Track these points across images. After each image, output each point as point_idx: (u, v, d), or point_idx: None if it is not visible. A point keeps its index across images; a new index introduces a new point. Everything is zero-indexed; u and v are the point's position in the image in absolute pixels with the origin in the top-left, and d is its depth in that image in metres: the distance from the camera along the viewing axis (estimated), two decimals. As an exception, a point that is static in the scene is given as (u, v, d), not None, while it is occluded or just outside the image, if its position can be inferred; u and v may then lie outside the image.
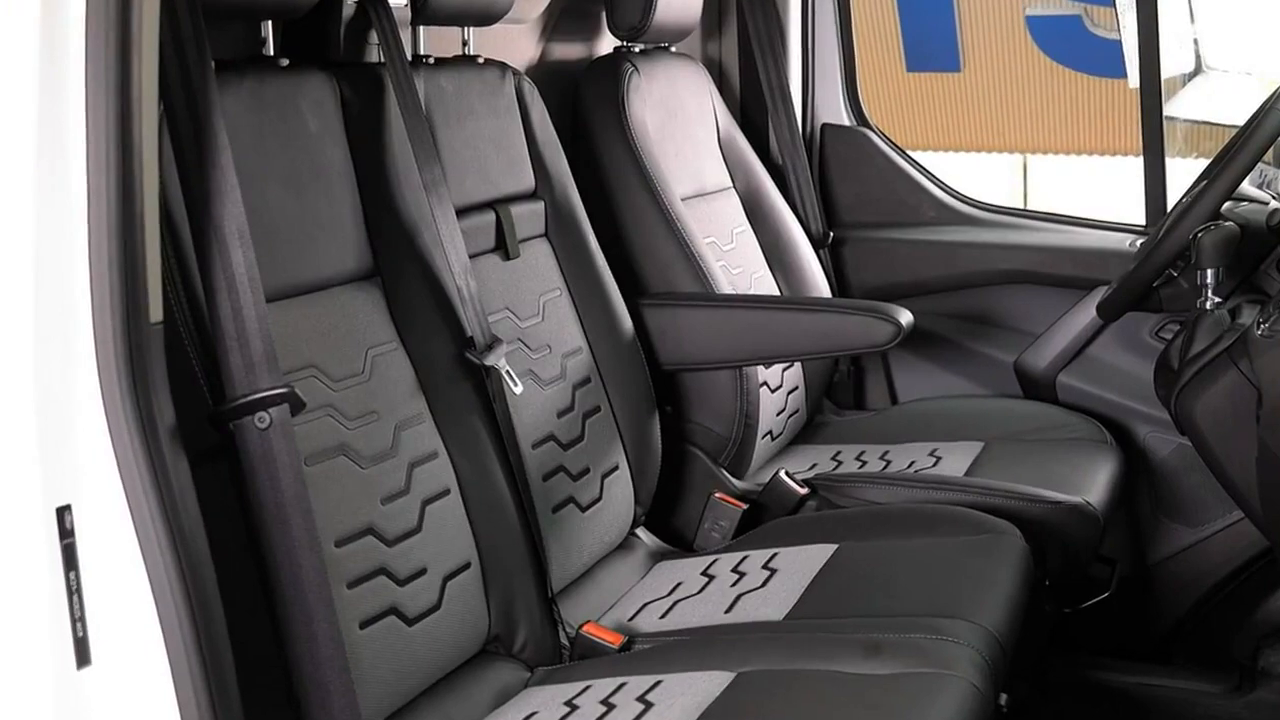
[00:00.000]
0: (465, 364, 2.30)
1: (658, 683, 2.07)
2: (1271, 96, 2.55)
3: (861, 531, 2.60)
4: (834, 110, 3.84)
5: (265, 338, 1.71)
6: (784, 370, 3.27)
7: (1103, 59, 5.71)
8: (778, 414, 3.22)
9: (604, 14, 3.19)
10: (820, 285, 3.49)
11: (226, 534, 1.60)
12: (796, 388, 3.33)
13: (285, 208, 2.08)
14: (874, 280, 3.69)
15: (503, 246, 2.59)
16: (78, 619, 1.38)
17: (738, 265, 3.27)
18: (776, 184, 3.52)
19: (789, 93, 3.64)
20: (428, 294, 2.29)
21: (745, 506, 2.88)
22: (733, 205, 3.40)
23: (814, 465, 3.13)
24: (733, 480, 2.99)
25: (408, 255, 2.28)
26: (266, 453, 1.70)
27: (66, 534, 1.38)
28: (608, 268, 2.78)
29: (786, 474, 2.88)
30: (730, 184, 3.42)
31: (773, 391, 3.19)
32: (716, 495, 2.90)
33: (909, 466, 3.01)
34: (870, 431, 3.36)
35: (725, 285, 3.07)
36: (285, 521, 1.70)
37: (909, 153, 3.84)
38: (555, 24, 3.27)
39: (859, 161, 3.81)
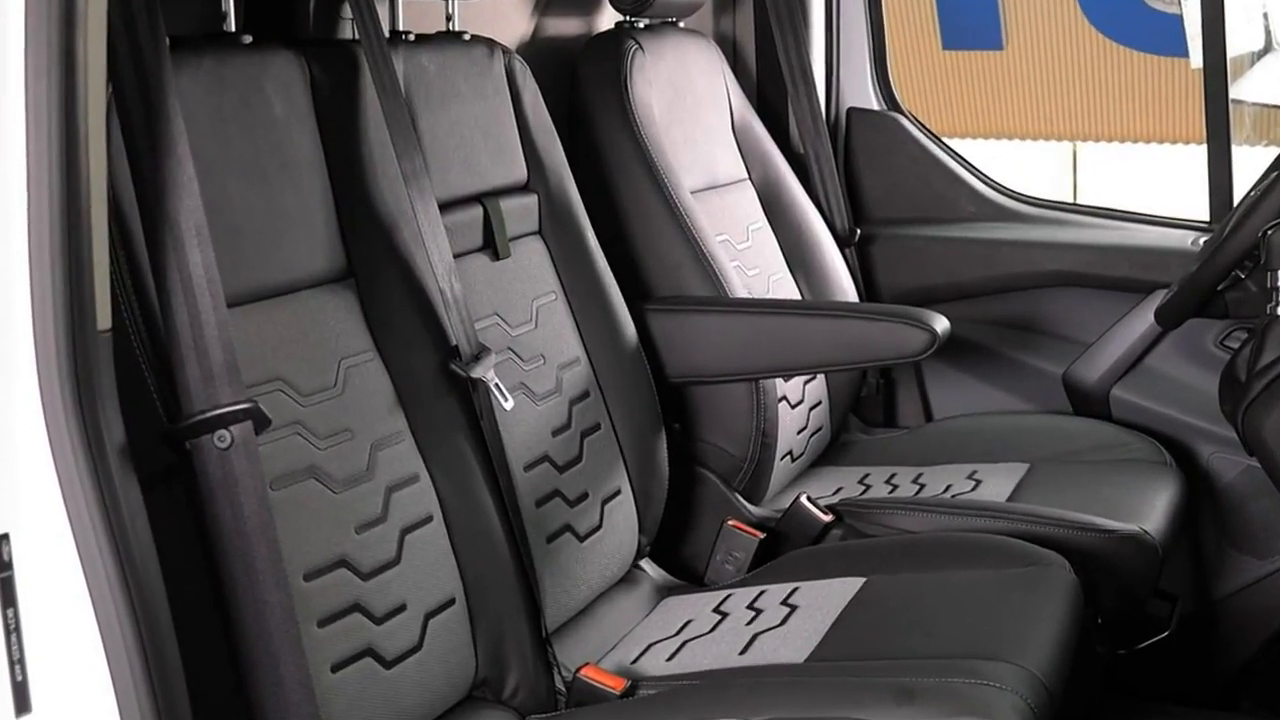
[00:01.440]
0: (449, 376, 2.30)
1: (664, 733, 2.07)
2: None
3: (892, 563, 2.59)
4: (861, 93, 3.84)
5: (226, 347, 1.72)
6: (805, 383, 3.26)
7: (1162, 35, 5.71)
8: (798, 432, 3.22)
9: (604, -15, 3.20)
10: (845, 288, 3.49)
11: (183, 566, 1.60)
12: (819, 403, 3.33)
13: (248, 202, 2.08)
14: (906, 283, 3.69)
15: (491, 245, 2.59)
16: (16, 661, 1.38)
17: (753, 266, 3.27)
18: (797, 175, 3.52)
19: (811, 73, 3.64)
20: (407, 298, 2.29)
21: (762, 535, 2.87)
22: (748, 199, 3.40)
23: (839, 489, 3.13)
24: (748, 506, 2.99)
25: (385, 255, 2.28)
26: (227, 475, 1.70)
27: (4, 566, 1.37)
28: (608, 269, 2.78)
29: (808, 499, 2.88)
30: (745, 175, 3.42)
31: (793, 407, 3.19)
32: (730, 523, 2.90)
33: (945, 491, 3.01)
34: (902, 452, 3.36)
35: (740, 288, 3.07)
36: (248, 552, 1.70)
37: (945, 140, 3.84)
38: (550, -3, 3.28)
39: (889, 150, 3.81)
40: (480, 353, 2.33)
